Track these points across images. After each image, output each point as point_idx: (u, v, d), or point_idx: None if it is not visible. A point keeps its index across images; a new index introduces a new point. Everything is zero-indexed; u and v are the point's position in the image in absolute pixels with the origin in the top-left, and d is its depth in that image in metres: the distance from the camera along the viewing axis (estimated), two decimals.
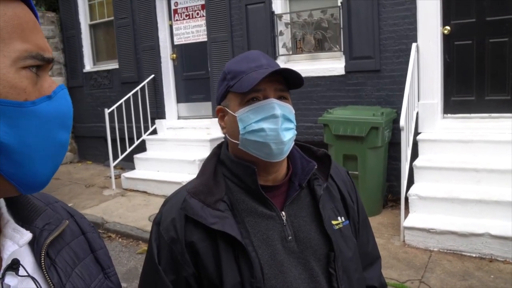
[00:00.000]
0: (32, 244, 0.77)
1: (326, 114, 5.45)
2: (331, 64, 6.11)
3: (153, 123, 7.92)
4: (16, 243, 0.73)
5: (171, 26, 7.88)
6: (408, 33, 5.51)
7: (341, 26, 6.02)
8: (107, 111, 7.28)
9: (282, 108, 1.23)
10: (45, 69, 0.71)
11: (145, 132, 7.80)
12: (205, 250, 1.21)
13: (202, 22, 7.47)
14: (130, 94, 7.63)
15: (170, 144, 7.34)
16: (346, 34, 5.94)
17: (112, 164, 7.38)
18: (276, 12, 6.52)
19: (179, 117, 8.06)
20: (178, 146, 7.21)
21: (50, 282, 0.75)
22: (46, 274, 0.75)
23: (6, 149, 0.65)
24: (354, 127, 5.12)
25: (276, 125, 1.22)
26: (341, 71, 6.00)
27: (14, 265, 0.71)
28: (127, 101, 7.63)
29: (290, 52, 6.55)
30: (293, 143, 1.31)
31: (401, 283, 3.87)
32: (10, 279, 0.71)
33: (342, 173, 1.48)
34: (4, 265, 0.71)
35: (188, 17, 7.69)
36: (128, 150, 7.58)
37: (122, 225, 5.77)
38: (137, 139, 7.72)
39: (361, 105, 5.79)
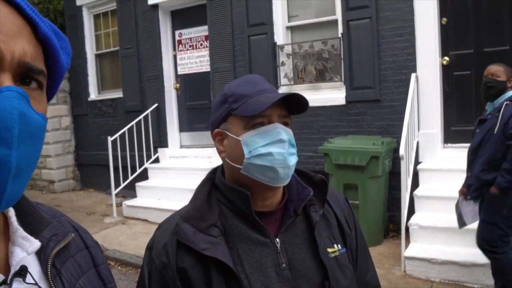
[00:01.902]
0: (39, 253, 0.78)
1: (326, 143, 5.47)
2: (332, 94, 6.17)
3: (155, 151, 7.96)
4: (25, 250, 0.74)
5: (175, 56, 8.00)
6: (408, 63, 5.58)
7: (342, 57, 6.11)
8: (110, 139, 7.34)
9: (287, 133, 1.23)
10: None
11: (147, 161, 7.84)
12: (196, 276, 1.18)
13: (205, 52, 7.59)
14: (134, 122, 7.69)
15: (172, 173, 7.36)
16: (347, 65, 6.01)
17: (114, 192, 7.39)
18: (278, 43, 6.62)
19: (181, 146, 8.10)
20: (180, 175, 7.22)
21: None
22: (52, 283, 0.76)
23: None
24: (354, 156, 5.13)
25: (283, 149, 1.21)
26: (342, 101, 6.05)
27: (22, 272, 0.72)
28: (131, 130, 7.69)
29: (292, 82, 6.62)
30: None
31: None
32: (17, 285, 0.71)
33: (340, 199, 1.44)
34: (12, 271, 0.71)
35: (191, 47, 7.81)
36: (130, 178, 7.61)
37: (121, 253, 5.74)
38: (140, 167, 7.75)
39: (362, 134, 5.81)
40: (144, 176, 7.74)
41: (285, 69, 6.65)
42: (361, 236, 1.45)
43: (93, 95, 9.24)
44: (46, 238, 0.79)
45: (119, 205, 7.46)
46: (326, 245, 1.30)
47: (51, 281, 0.76)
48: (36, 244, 0.76)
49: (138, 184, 7.54)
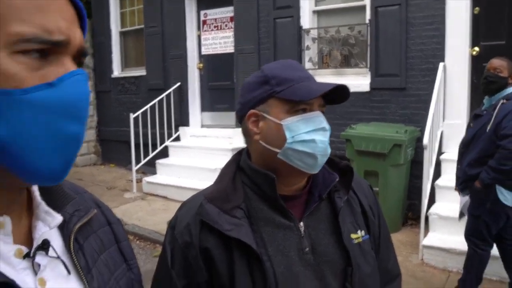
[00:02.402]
0: (62, 228, 0.78)
1: (349, 129, 5.46)
2: (357, 80, 6.13)
3: (176, 130, 8.02)
4: (47, 225, 0.75)
5: (199, 36, 8.00)
6: (436, 52, 5.51)
7: (368, 43, 6.06)
8: (132, 116, 7.41)
9: (326, 123, 1.23)
10: (59, 53, 0.65)
11: (168, 139, 7.90)
12: (219, 257, 1.19)
13: (230, 33, 7.58)
14: (156, 100, 7.75)
15: (193, 152, 7.42)
16: (373, 51, 5.97)
17: (134, 168, 7.48)
18: (304, 27, 6.59)
19: (202, 126, 8.15)
20: (200, 154, 7.27)
21: (78, 266, 0.77)
22: (74, 258, 0.77)
23: None
24: (376, 143, 5.11)
25: (325, 138, 1.21)
26: (366, 88, 6.02)
27: (45, 246, 0.72)
28: (153, 108, 7.75)
29: (316, 67, 6.60)
30: None
31: None
32: (40, 259, 0.71)
33: (364, 186, 1.44)
34: (35, 244, 0.72)
35: (216, 28, 7.81)
36: (151, 155, 7.68)
37: (140, 228, 5.83)
38: (160, 145, 7.82)
39: (385, 122, 5.78)
40: (164, 153, 7.81)
41: (310, 54, 6.62)
42: (384, 223, 1.45)
43: (117, 72, 9.31)
44: (69, 213, 0.81)
45: (139, 181, 7.55)
46: (350, 231, 1.30)
47: (73, 255, 0.77)
48: (58, 218, 0.77)
49: (158, 161, 7.61)
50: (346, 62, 6.41)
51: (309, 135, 1.20)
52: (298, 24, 6.59)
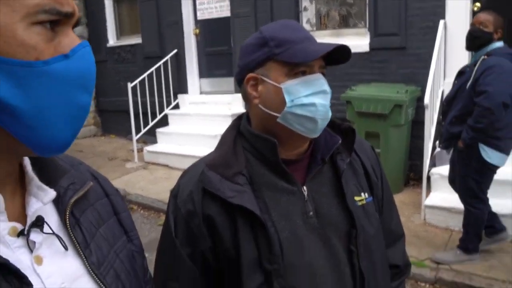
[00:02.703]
0: (57, 203, 0.77)
1: (349, 91, 5.41)
2: (356, 41, 6.03)
3: (175, 97, 7.96)
4: (40, 200, 0.73)
5: (194, 1, 7.84)
6: (436, 9, 5.39)
7: (367, 2, 5.93)
8: (130, 85, 7.33)
9: (327, 85, 1.20)
10: (66, 24, 0.66)
11: (167, 107, 7.86)
12: (223, 224, 1.18)
13: None
14: (153, 68, 7.66)
15: (192, 119, 7.39)
16: (372, 10, 5.85)
17: (135, 138, 7.46)
18: None
19: (201, 92, 8.08)
20: (200, 121, 7.24)
21: (75, 241, 0.75)
22: (71, 233, 0.75)
23: (16, 111, 0.61)
24: (377, 104, 5.07)
25: (326, 101, 1.19)
26: (366, 48, 5.92)
27: (39, 222, 0.71)
28: (150, 76, 7.67)
29: (314, 28, 6.48)
30: None
31: (421, 261, 3.87)
32: (35, 236, 0.70)
33: (366, 148, 1.41)
34: (29, 221, 0.70)
35: None
36: (151, 124, 7.65)
37: (143, 197, 5.86)
38: (160, 113, 7.78)
39: (385, 82, 5.72)
40: (164, 122, 7.78)
41: (308, 15, 6.50)
42: (386, 184, 1.43)
43: (112, 41, 9.17)
44: (64, 187, 0.78)
45: (140, 150, 7.54)
46: (353, 193, 1.28)
47: (69, 230, 0.76)
48: (51, 193, 0.74)
49: (158, 130, 7.59)
50: (345, 22, 6.30)
51: (308, 98, 1.18)
52: None
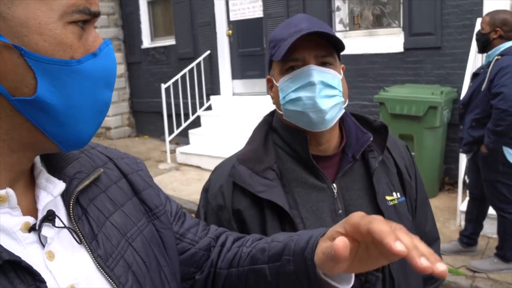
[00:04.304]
0: (63, 194, 0.75)
1: (382, 92, 5.30)
2: (389, 41, 5.90)
3: (208, 99, 7.99)
4: (50, 193, 0.72)
5: (227, 2, 7.85)
6: (473, 7, 5.22)
7: (401, 1, 5.79)
8: (163, 86, 7.40)
9: (321, 74, 1.16)
10: (91, 23, 0.69)
11: (200, 108, 7.89)
12: (252, 219, 1.19)
13: None
14: (186, 70, 7.71)
15: (225, 120, 7.40)
16: (406, 9, 5.71)
17: (168, 139, 7.53)
18: None
19: (234, 94, 8.08)
20: (232, 123, 7.25)
21: (80, 233, 0.73)
22: (75, 225, 0.73)
23: (51, 109, 0.63)
24: (411, 106, 4.94)
25: (313, 93, 1.16)
26: (400, 48, 5.79)
27: (50, 217, 0.70)
28: (183, 77, 7.72)
29: (347, 28, 6.39)
30: (341, 110, 1.23)
31: (456, 269, 3.75)
32: (47, 231, 0.69)
33: (400, 147, 1.39)
34: (40, 216, 0.69)
35: None
36: (183, 125, 7.71)
37: (175, 198, 5.89)
38: (192, 114, 7.82)
39: (420, 83, 5.58)
40: (197, 123, 7.82)
41: (341, 15, 6.40)
42: (421, 186, 1.40)
43: (146, 42, 9.29)
44: (69, 176, 0.76)
45: (173, 151, 7.61)
46: (385, 192, 1.26)
47: (74, 222, 0.73)
48: (60, 185, 0.73)
49: (190, 131, 7.64)
50: (378, 22, 6.18)
51: (295, 93, 1.18)
52: None
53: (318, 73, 1.16)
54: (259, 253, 0.92)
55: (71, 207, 0.74)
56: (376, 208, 1.23)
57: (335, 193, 1.23)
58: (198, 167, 7.06)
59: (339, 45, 1.20)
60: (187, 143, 7.71)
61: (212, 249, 0.99)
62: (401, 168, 1.33)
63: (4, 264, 0.60)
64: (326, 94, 1.17)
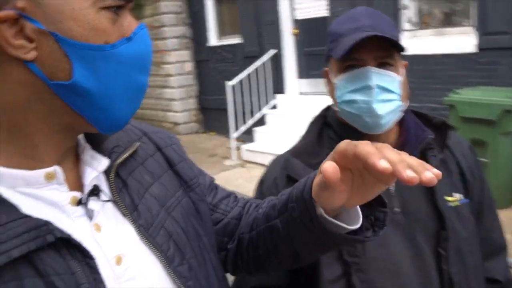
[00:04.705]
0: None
1: (452, 94, 5.14)
2: (460, 41, 5.71)
3: (273, 97, 8.06)
4: (94, 169, 0.75)
5: (291, 1, 7.85)
6: None
7: None
8: (228, 84, 7.54)
9: (380, 77, 1.13)
10: (126, 8, 0.69)
11: (265, 106, 7.98)
12: None
13: None
14: (252, 68, 7.80)
15: (290, 119, 7.43)
16: (479, 7, 5.50)
17: (233, 136, 7.68)
18: None
19: (300, 93, 8.09)
20: (298, 121, 7.25)
21: (122, 204, 0.76)
22: (117, 197, 0.76)
23: (87, 93, 0.65)
24: (484, 109, 4.77)
25: (370, 97, 1.13)
26: (472, 48, 5.59)
27: (95, 191, 0.73)
28: (249, 75, 7.82)
29: (415, 28, 6.23)
30: (398, 114, 1.20)
31: None
32: (93, 204, 0.72)
33: (464, 146, 1.33)
34: (86, 190, 0.72)
35: None
36: (249, 123, 7.83)
37: (240, 194, 5.96)
38: (258, 112, 7.92)
39: (494, 86, 5.36)
40: (262, 121, 7.92)
41: (408, 13, 6.26)
42: (487, 189, 1.34)
43: (213, 41, 9.46)
44: (107, 150, 0.79)
45: (238, 148, 7.74)
46: (445, 193, 1.22)
47: (115, 194, 0.76)
48: (104, 161, 0.76)
49: (255, 129, 7.74)
50: (449, 21, 5.99)
51: (351, 95, 1.16)
52: None
53: (377, 76, 1.14)
54: (271, 209, 0.93)
55: (111, 180, 0.77)
56: (435, 208, 1.19)
57: (392, 190, 1.19)
58: (263, 164, 7.14)
59: (400, 46, 1.16)
60: (252, 140, 7.81)
61: (242, 217, 1.00)
62: (463, 168, 1.28)
63: (56, 241, 0.62)
64: (383, 98, 1.14)
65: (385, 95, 1.14)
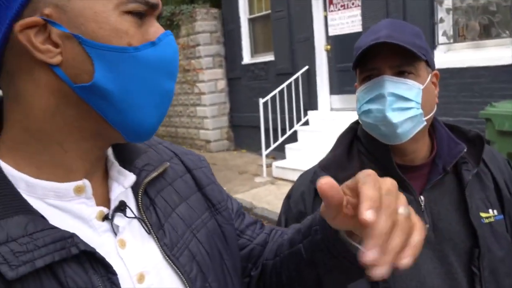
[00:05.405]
0: (133, 185, 0.78)
1: (489, 107, 4.95)
2: (498, 52, 5.52)
3: (305, 114, 8.00)
4: (121, 184, 0.75)
5: (325, 17, 7.84)
6: None
7: None
8: (261, 101, 7.54)
9: (394, 86, 1.11)
10: (151, 15, 0.70)
11: (297, 123, 7.93)
12: None
13: (357, 12, 7.30)
14: (284, 85, 7.79)
15: (322, 136, 7.34)
16: None
17: (264, 153, 7.63)
18: None
19: (331, 109, 8.01)
20: (330, 138, 7.11)
21: (148, 222, 0.76)
22: (143, 215, 0.76)
23: (109, 95, 0.65)
24: None
25: (383, 106, 1.12)
26: (510, 60, 5.39)
27: (122, 207, 0.73)
28: (281, 92, 7.82)
29: (451, 41, 6.08)
30: (420, 123, 1.15)
31: None
32: (118, 220, 0.72)
33: (499, 160, 1.30)
34: (112, 206, 0.73)
35: (343, 7, 7.58)
36: (280, 139, 7.78)
37: (269, 212, 5.94)
38: (289, 129, 7.88)
39: None
40: (293, 138, 7.85)
41: (444, 26, 6.11)
42: None
43: (247, 58, 9.54)
44: (138, 168, 0.79)
45: (269, 165, 7.68)
46: (479, 208, 1.18)
47: (142, 212, 0.76)
48: (131, 177, 0.76)
49: (287, 145, 7.68)
50: (486, 32, 5.81)
51: (367, 105, 1.15)
52: None
53: (391, 84, 1.12)
54: (295, 234, 0.90)
55: (139, 197, 0.77)
56: (469, 224, 1.15)
57: (422, 206, 1.16)
58: (293, 181, 7.04)
59: (421, 52, 1.13)
60: (284, 157, 7.74)
61: (267, 244, 0.99)
62: (499, 183, 1.24)
63: (80, 254, 0.62)
64: (398, 106, 1.12)
65: (400, 103, 1.12)
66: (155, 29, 0.70)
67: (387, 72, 1.13)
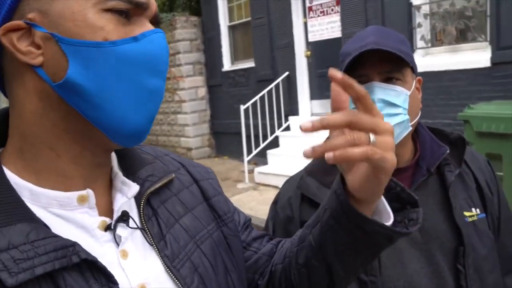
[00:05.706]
0: (136, 195, 0.77)
1: (467, 109, 5.03)
2: (475, 56, 5.63)
3: (286, 119, 8.04)
4: (124, 195, 0.75)
5: (305, 24, 7.91)
6: None
7: (488, 14, 5.53)
8: (242, 107, 7.55)
9: (383, 92, 1.12)
10: (141, 15, 0.69)
11: (278, 129, 7.95)
12: None
13: (336, 18, 7.38)
14: (265, 91, 7.82)
15: (303, 141, 7.35)
16: (494, 22, 5.43)
17: (246, 159, 7.63)
18: (414, 3, 6.19)
19: (312, 114, 8.06)
20: (311, 143, 7.10)
21: (149, 233, 0.75)
22: (145, 225, 0.76)
23: (83, 90, 0.64)
24: (499, 123, 4.65)
25: None
26: (486, 63, 5.50)
27: (124, 217, 0.73)
28: (262, 98, 7.84)
29: (429, 45, 6.18)
30: (406, 128, 1.17)
31: None
32: (121, 230, 0.72)
33: (480, 161, 1.33)
34: (115, 216, 0.73)
35: (322, 13, 7.65)
36: (262, 145, 7.78)
37: (253, 217, 5.90)
38: (271, 135, 7.89)
39: (508, 99, 5.25)
40: (275, 143, 7.87)
41: (422, 31, 6.21)
42: (505, 203, 1.31)
43: (227, 65, 9.55)
44: (142, 178, 0.79)
45: (251, 171, 7.68)
46: (462, 208, 1.20)
47: (143, 222, 0.76)
48: (134, 188, 0.76)
49: (269, 151, 7.69)
50: (462, 37, 5.92)
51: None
52: (408, 0, 6.21)
53: (379, 90, 1.13)
54: (304, 230, 0.90)
55: (141, 207, 0.77)
56: (453, 224, 1.18)
57: (407, 207, 1.17)
58: (276, 187, 7.05)
59: (408, 59, 1.15)
60: (266, 163, 7.76)
61: (274, 254, 0.99)
62: (481, 183, 1.27)
63: (81, 263, 0.62)
64: (386, 112, 1.13)
65: (389, 109, 1.13)
66: (144, 29, 0.69)
67: (375, 78, 1.14)
